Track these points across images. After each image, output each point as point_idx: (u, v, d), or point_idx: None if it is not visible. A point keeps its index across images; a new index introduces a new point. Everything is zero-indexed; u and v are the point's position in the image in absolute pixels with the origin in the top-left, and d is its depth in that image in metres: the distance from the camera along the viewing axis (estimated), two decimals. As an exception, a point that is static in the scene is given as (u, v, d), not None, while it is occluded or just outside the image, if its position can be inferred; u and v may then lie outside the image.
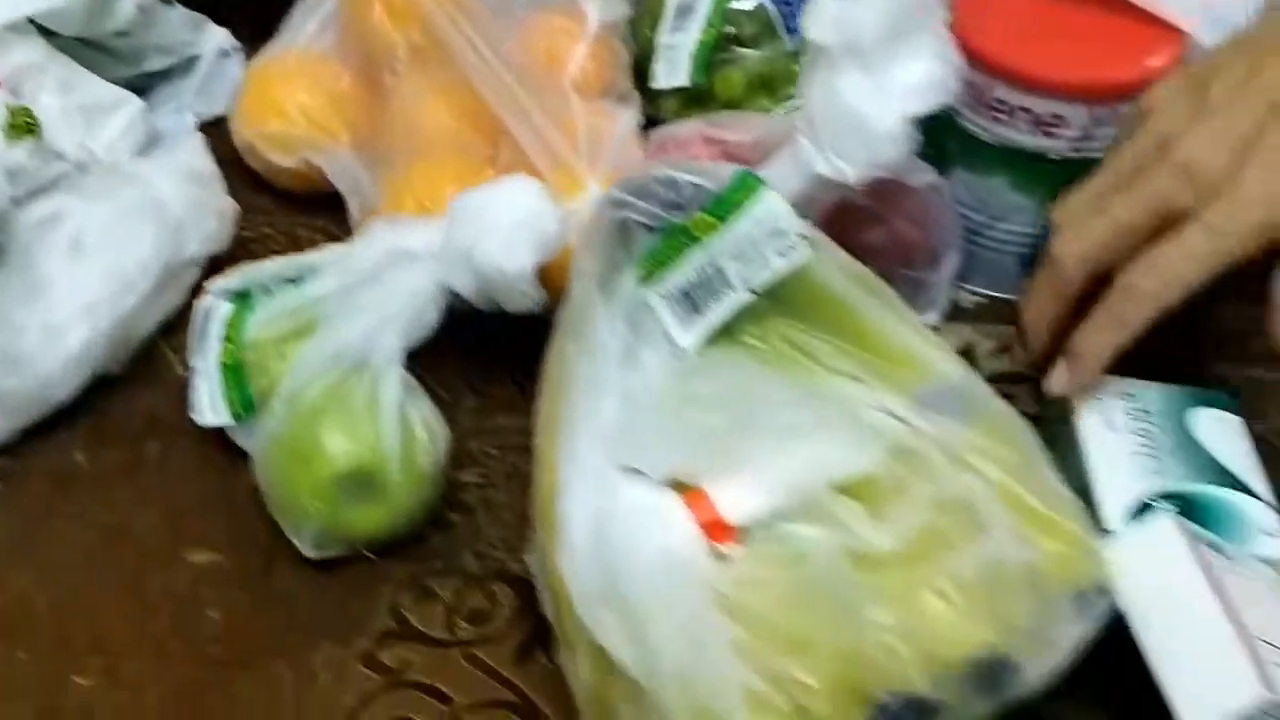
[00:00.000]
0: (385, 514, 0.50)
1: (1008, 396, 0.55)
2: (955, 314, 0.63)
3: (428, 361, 0.55)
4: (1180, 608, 0.41)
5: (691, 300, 0.44)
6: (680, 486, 0.41)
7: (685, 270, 0.44)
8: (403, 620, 0.50)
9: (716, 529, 0.40)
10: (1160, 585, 0.42)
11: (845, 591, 0.38)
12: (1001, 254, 0.63)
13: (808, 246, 0.45)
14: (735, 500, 0.41)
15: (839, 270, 0.47)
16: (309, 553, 0.50)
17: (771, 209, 0.44)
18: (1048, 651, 0.39)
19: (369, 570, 0.51)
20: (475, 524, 0.53)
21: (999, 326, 0.62)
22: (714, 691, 0.35)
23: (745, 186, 0.44)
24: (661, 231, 0.44)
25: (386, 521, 0.50)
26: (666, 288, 0.44)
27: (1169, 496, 0.48)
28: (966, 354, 0.61)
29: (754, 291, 0.45)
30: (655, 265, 0.44)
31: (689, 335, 0.44)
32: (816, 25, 0.51)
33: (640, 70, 0.71)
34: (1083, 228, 0.49)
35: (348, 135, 0.66)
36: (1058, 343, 0.51)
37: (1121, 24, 0.58)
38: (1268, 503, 0.49)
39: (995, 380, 0.59)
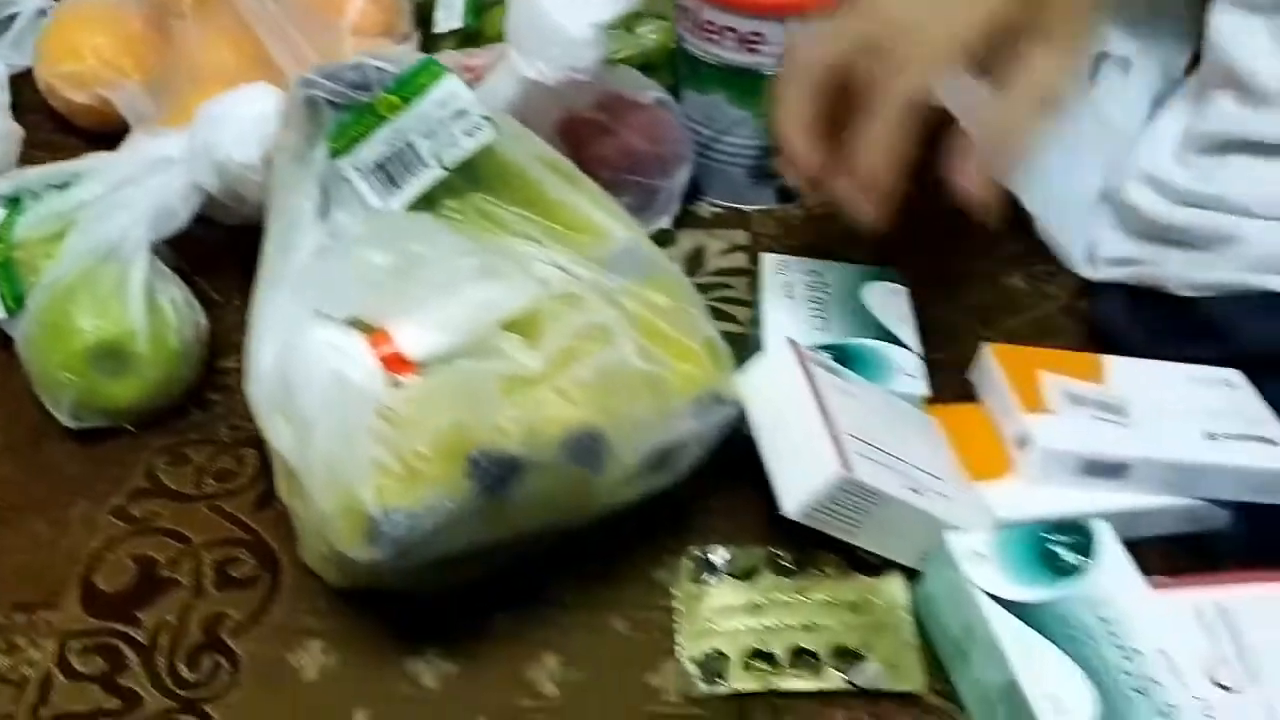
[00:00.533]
0: (137, 386, 0.56)
1: (727, 287, 0.62)
2: (693, 221, 0.70)
3: (203, 266, 0.62)
4: (785, 412, 0.48)
5: (387, 173, 0.50)
6: (366, 327, 0.47)
7: (375, 145, 0.50)
8: (155, 480, 0.56)
9: (395, 362, 0.46)
10: (773, 396, 0.49)
11: (486, 398, 0.44)
12: (731, 166, 0.70)
13: (493, 127, 0.51)
14: (414, 338, 0.47)
15: (531, 152, 0.53)
16: (68, 423, 0.56)
17: (452, 90, 0.51)
18: (652, 437, 0.45)
19: (129, 441, 0.57)
20: (232, 402, 0.59)
21: (730, 231, 0.70)
22: (349, 468, 0.41)
23: (427, 71, 0.51)
24: (349, 109, 0.50)
25: (138, 394, 0.56)
26: (359, 160, 0.50)
27: (827, 348, 0.55)
28: (698, 254, 0.68)
29: (446, 168, 0.51)
30: (346, 140, 0.50)
31: (388, 204, 0.51)
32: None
33: (424, 17, 0.78)
34: (813, 47, 0.51)
35: (138, 73, 0.72)
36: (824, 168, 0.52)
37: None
38: (912, 351, 0.56)
39: (720, 273, 0.67)
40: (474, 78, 0.68)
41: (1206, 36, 0.64)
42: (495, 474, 0.42)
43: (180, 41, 0.71)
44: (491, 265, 0.48)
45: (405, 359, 0.46)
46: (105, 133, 0.73)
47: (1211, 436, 0.52)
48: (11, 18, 0.81)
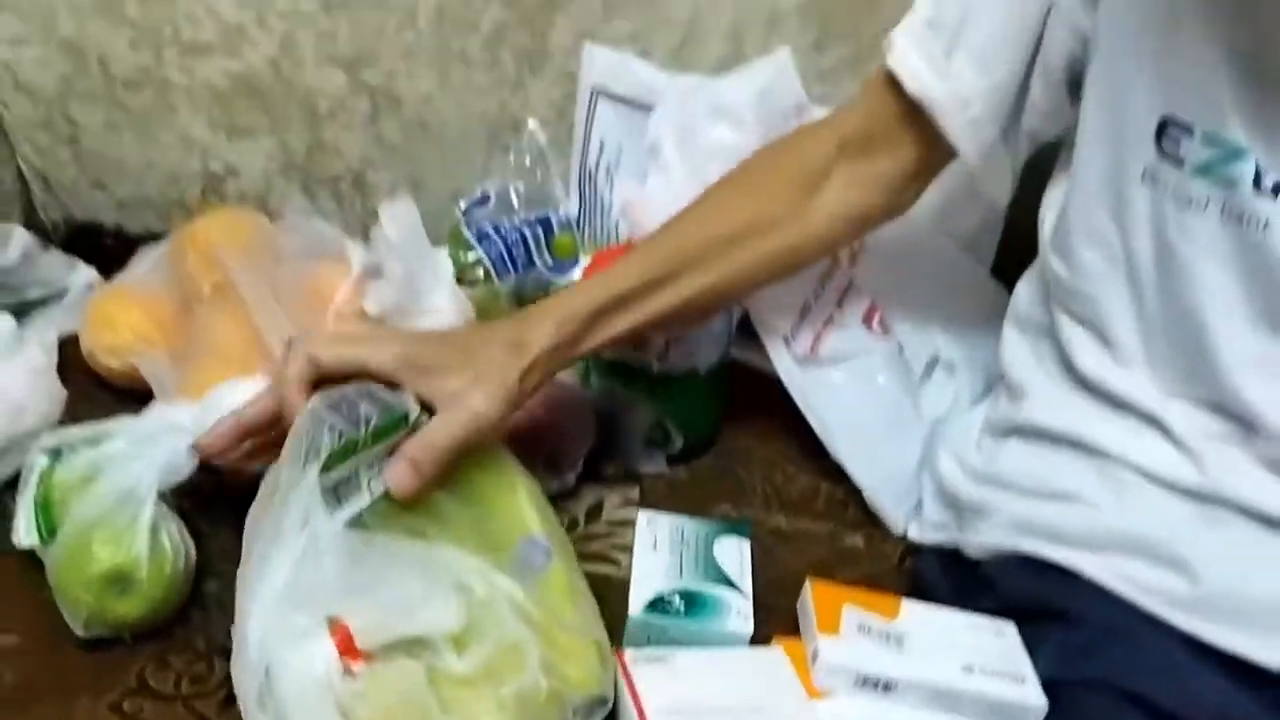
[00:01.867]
0: (137, 605, 0.71)
1: (619, 535, 0.77)
2: (595, 479, 0.86)
3: (197, 504, 0.77)
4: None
5: (337, 494, 0.63)
6: (330, 620, 0.60)
7: (340, 471, 0.63)
8: (144, 682, 0.70)
9: (349, 651, 0.59)
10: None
11: (425, 701, 0.58)
12: (627, 436, 0.87)
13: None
14: (363, 631, 0.60)
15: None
16: (80, 633, 0.71)
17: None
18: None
19: (126, 649, 0.72)
20: (209, 617, 0.74)
21: (626, 488, 0.86)
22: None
23: (403, 421, 0.65)
24: (341, 438, 0.63)
25: (138, 611, 0.71)
26: (326, 481, 0.62)
27: (679, 592, 0.71)
28: (598, 507, 0.84)
29: (373, 494, 0.64)
30: (330, 463, 0.63)
31: (333, 520, 0.62)
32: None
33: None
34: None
35: (165, 346, 0.90)
36: None
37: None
38: (745, 596, 0.72)
39: (613, 524, 0.82)
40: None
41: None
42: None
43: (198, 322, 0.89)
44: (431, 581, 0.61)
45: (356, 649, 0.58)
46: (134, 391, 0.90)
47: (968, 669, 0.67)
48: (65, 290, 1.00)
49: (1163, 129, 0.67)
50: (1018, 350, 0.79)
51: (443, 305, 0.72)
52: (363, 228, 1.05)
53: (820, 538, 0.83)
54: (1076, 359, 0.74)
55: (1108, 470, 0.72)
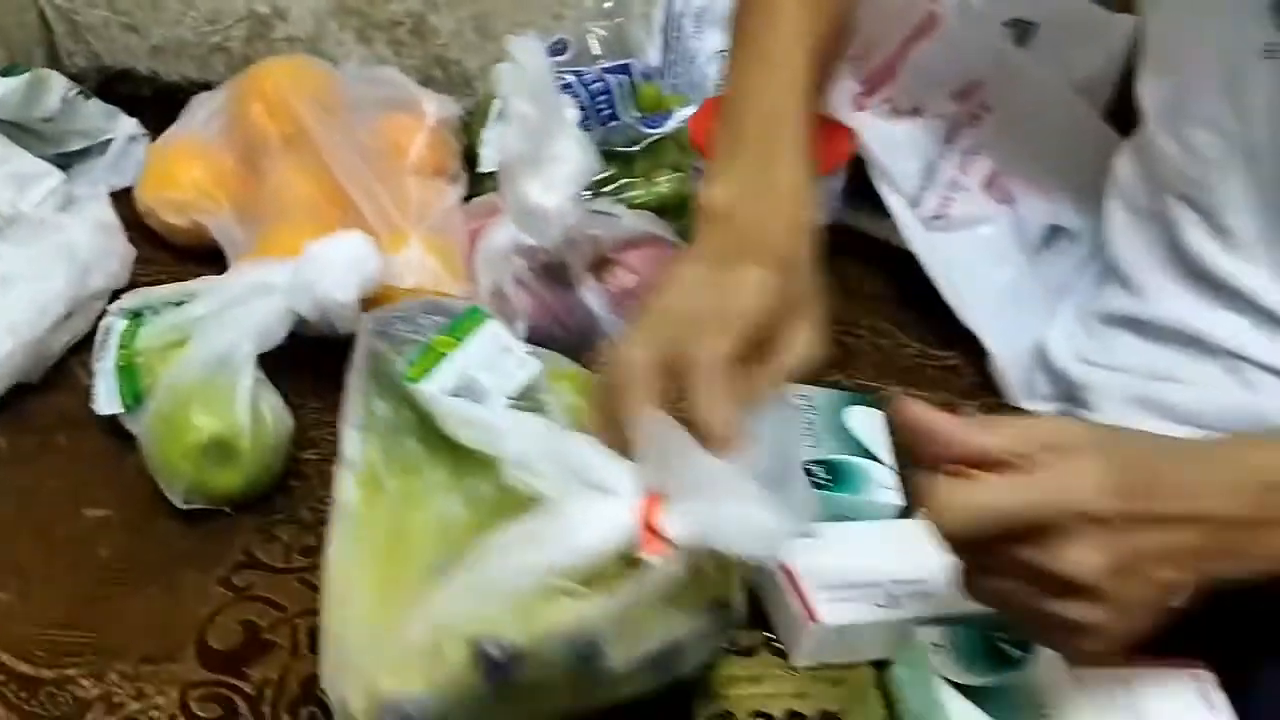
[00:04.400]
0: (239, 476, 0.66)
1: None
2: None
3: (286, 373, 0.72)
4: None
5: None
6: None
7: (443, 378, 0.58)
8: (251, 555, 0.66)
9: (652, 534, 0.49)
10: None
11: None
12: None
13: (537, 359, 0.61)
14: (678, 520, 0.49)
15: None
16: (180, 505, 0.66)
17: (494, 332, 0.61)
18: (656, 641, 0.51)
19: (228, 521, 0.67)
20: (310, 487, 0.70)
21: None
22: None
23: (472, 317, 0.61)
24: (414, 347, 0.59)
25: (240, 482, 0.67)
26: (434, 386, 0.57)
27: (818, 462, 0.67)
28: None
29: (509, 397, 0.59)
30: (418, 370, 0.58)
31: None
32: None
33: (472, 157, 0.90)
34: (629, 355, 0.53)
35: (229, 203, 0.83)
36: None
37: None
38: (888, 466, 0.68)
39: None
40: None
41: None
42: (501, 664, 0.47)
43: (268, 177, 0.83)
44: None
45: (663, 535, 0.48)
46: (196, 251, 0.84)
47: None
48: (107, 142, 0.93)
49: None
50: (1124, 233, 0.74)
51: (568, 153, 0.67)
52: (424, 78, 0.98)
53: (935, 406, 0.80)
54: (1190, 247, 0.70)
55: (1231, 365, 0.69)
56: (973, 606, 0.53)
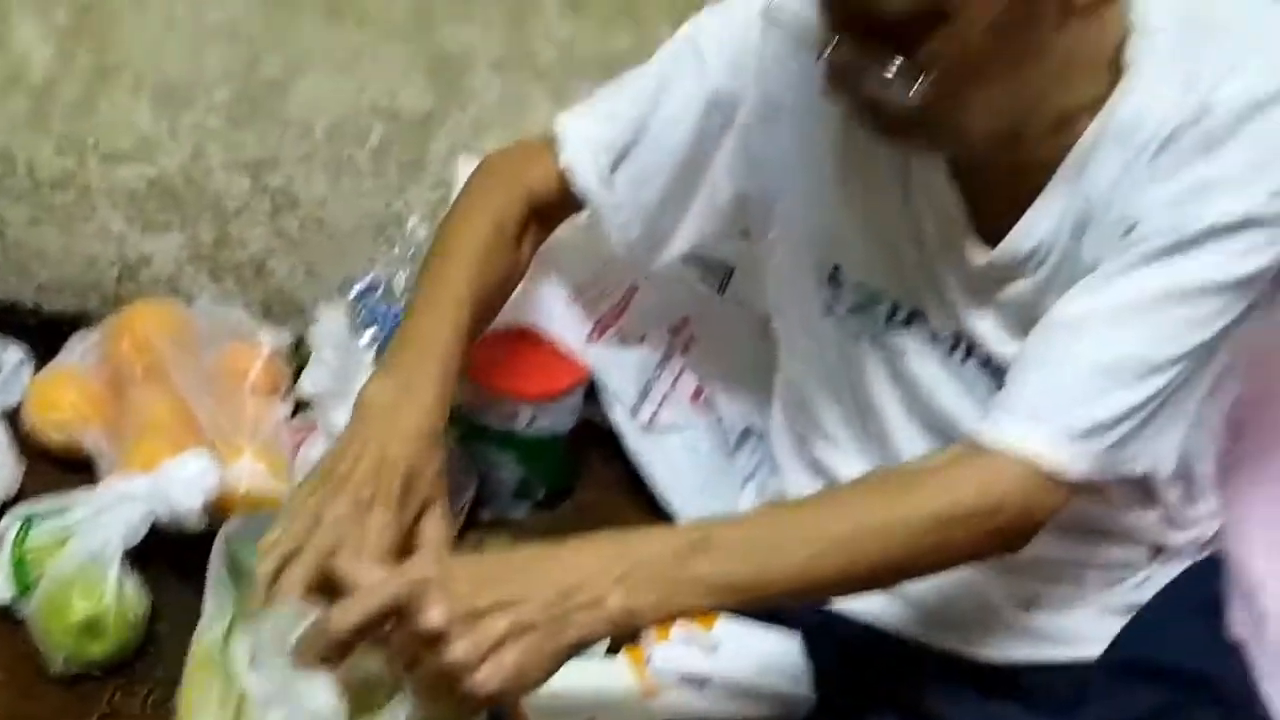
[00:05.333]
0: (107, 646, 0.88)
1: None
2: (472, 524, 1.06)
3: (148, 562, 0.93)
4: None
5: None
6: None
7: None
8: (115, 709, 0.87)
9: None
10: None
11: None
12: (500, 489, 1.06)
13: None
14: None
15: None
16: (59, 670, 0.87)
17: None
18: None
19: (97, 682, 0.88)
20: (163, 653, 0.91)
21: (500, 530, 1.06)
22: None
23: None
24: None
25: (108, 650, 0.88)
26: None
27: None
28: (478, 547, 1.04)
29: None
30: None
31: None
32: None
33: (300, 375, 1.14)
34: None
35: (100, 423, 1.05)
36: None
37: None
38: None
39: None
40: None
41: None
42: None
43: (133, 402, 1.05)
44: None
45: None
46: (74, 461, 1.05)
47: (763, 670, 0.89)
48: (-2, 368, 1.14)
49: (834, 274, 0.87)
50: (779, 436, 1.01)
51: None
52: (264, 309, 1.22)
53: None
54: (811, 450, 0.96)
55: None
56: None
